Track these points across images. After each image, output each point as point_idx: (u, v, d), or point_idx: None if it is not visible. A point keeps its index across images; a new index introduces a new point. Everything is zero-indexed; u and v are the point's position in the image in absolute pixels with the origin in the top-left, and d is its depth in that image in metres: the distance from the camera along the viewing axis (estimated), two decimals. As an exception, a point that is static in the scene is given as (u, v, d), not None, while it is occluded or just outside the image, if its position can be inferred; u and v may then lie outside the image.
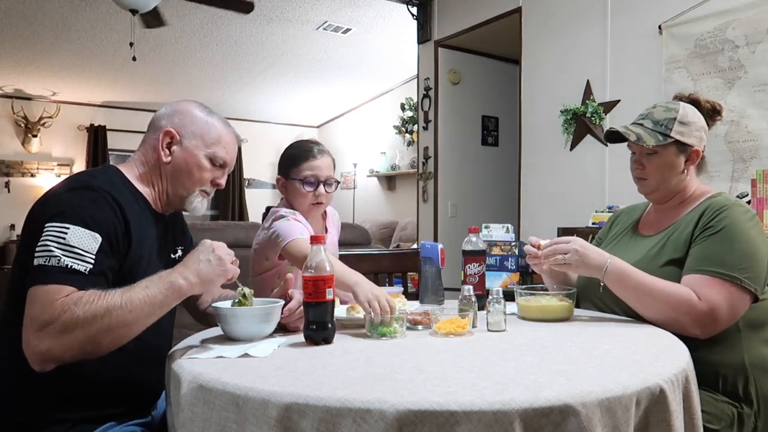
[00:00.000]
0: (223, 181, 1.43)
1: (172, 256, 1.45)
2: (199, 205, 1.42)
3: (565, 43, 3.79)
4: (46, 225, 1.14)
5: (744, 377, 1.36)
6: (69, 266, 1.11)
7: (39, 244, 1.12)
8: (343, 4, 5.22)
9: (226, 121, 1.44)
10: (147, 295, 1.14)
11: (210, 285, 1.23)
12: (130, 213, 1.25)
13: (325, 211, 2.04)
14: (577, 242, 1.45)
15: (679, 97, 1.62)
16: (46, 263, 1.10)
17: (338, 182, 1.96)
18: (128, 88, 7.24)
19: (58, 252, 1.11)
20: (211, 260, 1.22)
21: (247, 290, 1.32)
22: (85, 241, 1.14)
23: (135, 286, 1.15)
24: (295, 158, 1.90)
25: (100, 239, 1.16)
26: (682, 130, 1.50)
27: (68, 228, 1.13)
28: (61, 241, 1.12)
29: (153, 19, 4.46)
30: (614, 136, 1.58)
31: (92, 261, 1.14)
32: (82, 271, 1.12)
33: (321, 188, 1.87)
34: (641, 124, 1.54)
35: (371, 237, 5.61)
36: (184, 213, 1.52)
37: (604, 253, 1.44)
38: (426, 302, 1.68)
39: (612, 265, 1.42)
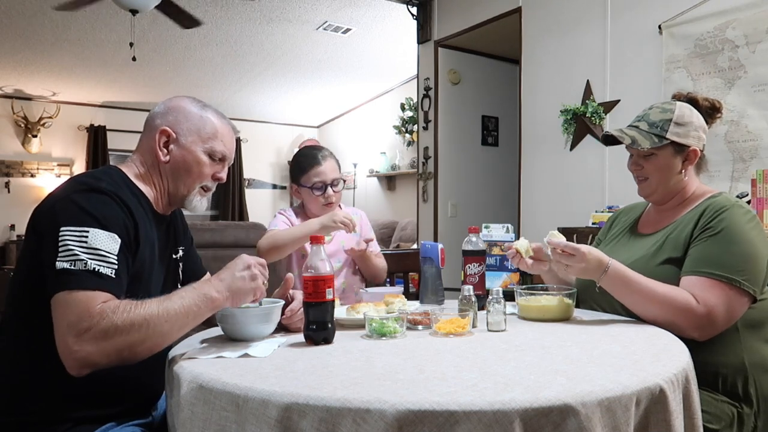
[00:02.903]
0: (224, 175, 1.43)
1: (174, 256, 1.45)
2: (199, 204, 1.42)
3: (565, 43, 3.79)
4: (62, 229, 1.13)
5: (744, 377, 1.36)
6: (96, 269, 1.11)
7: (60, 247, 1.11)
8: (343, 4, 5.22)
9: (221, 113, 1.43)
10: (183, 306, 1.14)
11: (239, 300, 1.23)
12: (137, 214, 1.25)
13: (345, 211, 2.14)
14: (583, 259, 1.41)
15: (677, 97, 1.61)
16: (72, 267, 1.10)
17: (344, 181, 2.11)
18: (128, 88, 7.24)
19: (83, 255, 1.11)
20: (245, 277, 1.22)
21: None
22: (107, 242, 1.14)
23: (171, 296, 1.15)
24: (302, 166, 2.09)
25: (119, 240, 1.16)
26: (678, 131, 1.50)
27: (88, 231, 1.13)
28: (84, 243, 1.12)
29: (187, 19, 4.50)
30: (611, 139, 1.58)
31: (116, 262, 1.14)
32: (110, 274, 1.12)
33: (329, 190, 2.06)
34: (637, 127, 1.54)
35: (371, 237, 5.60)
36: (185, 213, 1.52)
37: (604, 257, 1.43)
38: (426, 302, 1.68)
39: (611, 268, 1.41)
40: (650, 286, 1.38)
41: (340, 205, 2.17)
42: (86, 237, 1.12)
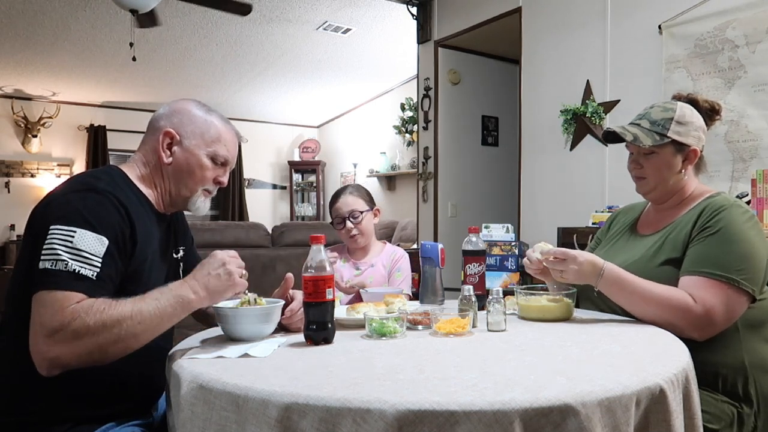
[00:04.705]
0: (225, 179, 1.43)
1: (175, 256, 1.45)
2: (202, 205, 1.42)
3: (565, 43, 3.79)
4: (51, 227, 1.13)
5: (744, 377, 1.36)
6: (76, 271, 1.11)
7: (45, 246, 1.11)
8: (343, 4, 5.22)
9: (225, 118, 1.44)
10: (157, 307, 1.14)
11: (218, 298, 1.24)
12: (135, 214, 1.25)
13: (386, 249, 2.23)
14: (574, 261, 1.42)
15: (677, 97, 1.62)
16: (53, 267, 1.10)
17: (364, 212, 2.15)
18: (128, 88, 7.24)
19: (65, 256, 1.11)
20: (221, 274, 1.22)
21: (251, 296, 1.33)
22: (93, 244, 1.14)
23: (146, 297, 1.15)
24: (329, 206, 2.24)
25: (107, 242, 1.16)
26: (680, 130, 1.50)
27: (75, 231, 1.13)
28: (69, 244, 1.12)
29: (147, 19, 4.44)
30: (612, 136, 1.58)
31: (99, 265, 1.14)
32: (90, 276, 1.12)
33: (348, 223, 2.13)
34: (638, 124, 1.55)
35: (371, 237, 5.59)
36: (186, 213, 1.52)
37: (598, 260, 1.42)
38: (426, 302, 1.68)
39: (607, 272, 1.41)
40: (647, 287, 1.38)
41: (385, 242, 2.26)
42: (72, 237, 1.12)
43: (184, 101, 1.41)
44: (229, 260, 1.24)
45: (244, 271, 1.27)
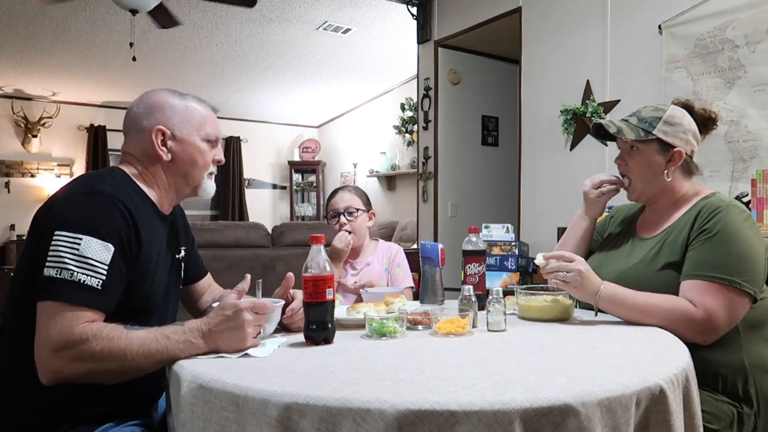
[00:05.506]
0: (222, 156, 1.44)
1: (177, 256, 1.45)
2: (210, 188, 1.43)
3: (565, 43, 3.79)
4: (57, 233, 1.12)
5: (744, 377, 1.36)
6: (82, 281, 1.10)
7: (51, 252, 1.11)
8: (343, 4, 5.22)
9: (199, 98, 1.44)
10: (166, 347, 1.12)
11: (224, 350, 1.18)
12: (139, 216, 1.24)
13: (380, 246, 2.22)
14: (581, 263, 1.42)
15: (675, 102, 1.62)
16: (58, 275, 1.09)
17: (359, 210, 2.15)
18: (128, 88, 7.24)
19: (71, 264, 1.10)
20: (235, 335, 1.16)
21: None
22: (99, 252, 1.13)
23: (155, 333, 1.12)
24: (326, 202, 2.26)
25: (113, 249, 1.15)
26: (666, 130, 1.50)
27: (81, 238, 1.12)
28: (75, 252, 1.11)
29: (166, 18, 4.44)
30: (601, 130, 1.59)
31: (105, 273, 1.13)
32: (95, 286, 1.11)
33: (341, 218, 2.13)
34: (627, 120, 1.56)
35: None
36: (187, 213, 1.52)
37: (598, 280, 1.42)
38: (426, 302, 1.69)
39: (604, 291, 1.40)
40: (646, 301, 1.38)
41: (377, 239, 2.26)
42: (78, 245, 1.11)
43: (156, 94, 1.40)
44: (249, 322, 1.17)
45: (260, 331, 1.22)
